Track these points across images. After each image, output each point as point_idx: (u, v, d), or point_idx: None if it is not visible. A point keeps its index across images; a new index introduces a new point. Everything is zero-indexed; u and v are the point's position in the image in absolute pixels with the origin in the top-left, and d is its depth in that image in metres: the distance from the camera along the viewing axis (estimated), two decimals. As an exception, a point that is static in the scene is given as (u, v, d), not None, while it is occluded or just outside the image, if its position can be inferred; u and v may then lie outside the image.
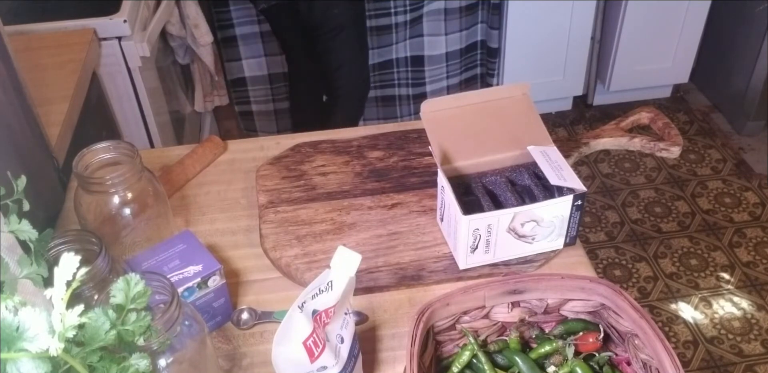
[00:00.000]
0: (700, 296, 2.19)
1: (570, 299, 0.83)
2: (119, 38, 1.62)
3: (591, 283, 0.81)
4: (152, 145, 1.79)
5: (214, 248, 1.04)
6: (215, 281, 0.89)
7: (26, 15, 1.62)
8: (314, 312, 0.73)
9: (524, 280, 0.81)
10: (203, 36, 2.03)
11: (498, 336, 0.85)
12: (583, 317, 0.85)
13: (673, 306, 2.17)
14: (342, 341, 0.77)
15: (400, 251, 1.01)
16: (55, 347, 0.53)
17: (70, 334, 0.54)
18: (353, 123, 2.33)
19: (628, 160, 2.69)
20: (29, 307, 0.53)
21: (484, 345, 0.84)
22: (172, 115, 1.97)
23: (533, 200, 0.97)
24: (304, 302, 0.72)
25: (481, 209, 0.96)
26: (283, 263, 1.00)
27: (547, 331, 0.85)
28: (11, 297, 0.55)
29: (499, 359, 0.83)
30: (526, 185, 1.01)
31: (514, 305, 0.84)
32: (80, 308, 0.55)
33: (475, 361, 0.82)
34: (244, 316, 0.95)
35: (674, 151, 1.11)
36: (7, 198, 0.66)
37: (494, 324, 0.85)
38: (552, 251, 1.00)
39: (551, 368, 0.81)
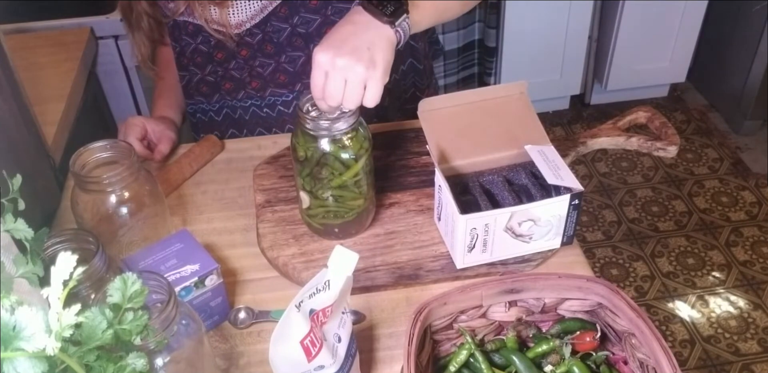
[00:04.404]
0: (696, 295, 2.20)
1: (567, 299, 0.83)
2: (116, 37, 1.62)
3: (588, 282, 0.81)
4: (149, 144, 1.78)
5: (211, 247, 1.04)
6: (212, 280, 0.89)
7: (23, 13, 1.62)
8: (311, 311, 0.73)
9: (521, 279, 0.81)
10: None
11: (495, 335, 0.85)
12: (580, 316, 0.85)
13: (670, 305, 2.17)
14: (339, 340, 0.77)
15: (397, 251, 1.01)
16: (52, 347, 0.52)
17: (67, 333, 0.54)
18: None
19: (626, 159, 2.69)
20: (26, 306, 0.53)
21: (481, 344, 0.84)
22: (169, 114, 1.96)
23: (530, 199, 0.98)
24: (302, 302, 0.71)
25: (478, 209, 0.96)
26: (280, 262, 1.00)
27: (544, 330, 0.85)
28: (7, 296, 0.55)
29: (496, 358, 0.83)
30: (524, 184, 1.01)
31: (512, 304, 0.84)
32: (77, 307, 0.55)
33: (472, 360, 0.82)
34: (242, 315, 0.95)
35: (671, 151, 1.11)
36: (3, 197, 0.66)
37: (491, 323, 0.85)
38: (549, 251, 1.00)
39: (548, 368, 0.81)
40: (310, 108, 0.91)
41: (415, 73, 1.32)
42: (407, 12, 0.90)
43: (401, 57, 1.26)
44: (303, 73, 1.17)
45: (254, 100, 1.22)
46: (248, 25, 1.14)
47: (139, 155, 1.10)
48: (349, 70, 0.84)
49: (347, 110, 0.88)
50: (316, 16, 1.12)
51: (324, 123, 0.89)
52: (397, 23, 0.89)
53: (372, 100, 0.87)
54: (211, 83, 1.23)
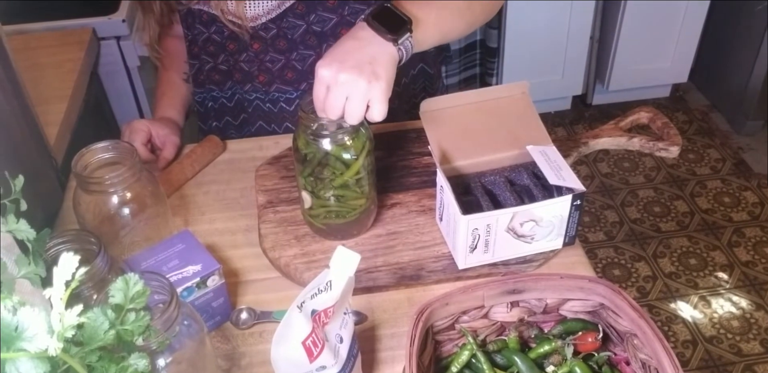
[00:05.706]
0: (699, 295, 2.19)
1: (569, 299, 0.83)
2: (118, 38, 1.62)
3: (590, 283, 0.81)
4: (151, 145, 1.78)
5: (213, 247, 1.04)
6: (214, 281, 0.89)
7: (25, 14, 1.62)
8: (313, 312, 0.73)
9: (523, 280, 0.81)
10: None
11: (497, 336, 0.85)
12: (582, 316, 0.85)
13: (672, 306, 2.17)
14: (341, 340, 0.77)
15: (399, 251, 1.01)
16: (54, 347, 0.53)
17: (69, 334, 0.54)
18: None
19: (627, 159, 2.69)
20: (28, 307, 0.53)
21: (483, 345, 0.84)
22: (171, 114, 1.96)
23: (532, 199, 0.97)
24: (303, 302, 0.71)
25: (480, 209, 0.96)
26: (282, 262, 1.00)
27: (546, 331, 0.85)
28: (10, 297, 0.55)
29: (498, 358, 0.83)
30: (525, 185, 1.01)
31: (513, 304, 0.84)
32: (79, 307, 0.55)
33: (474, 361, 0.82)
34: (243, 316, 0.95)
35: (673, 151, 1.11)
36: (5, 198, 0.66)
37: (493, 324, 0.85)
38: (551, 251, 1.00)
39: (550, 368, 0.81)
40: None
41: (425, 77, 1.32)
42: (411, 31, 0.90)
43: (412, 61, 1.27)
44: (310, 72, 1.17)
45: (259, 94, 1.22)
46: (264, 20, 1.14)
47: (144, 160, 1.10)
48: (351, 86, 0.84)
49: (351, 125, 0.88)
50: (333, 15, 1.12)
51: (325, 123, 0.89)
52: (400, 41, 0.89)
53: (377, 115, 0.86)
54: (224, 71, 1.23)
